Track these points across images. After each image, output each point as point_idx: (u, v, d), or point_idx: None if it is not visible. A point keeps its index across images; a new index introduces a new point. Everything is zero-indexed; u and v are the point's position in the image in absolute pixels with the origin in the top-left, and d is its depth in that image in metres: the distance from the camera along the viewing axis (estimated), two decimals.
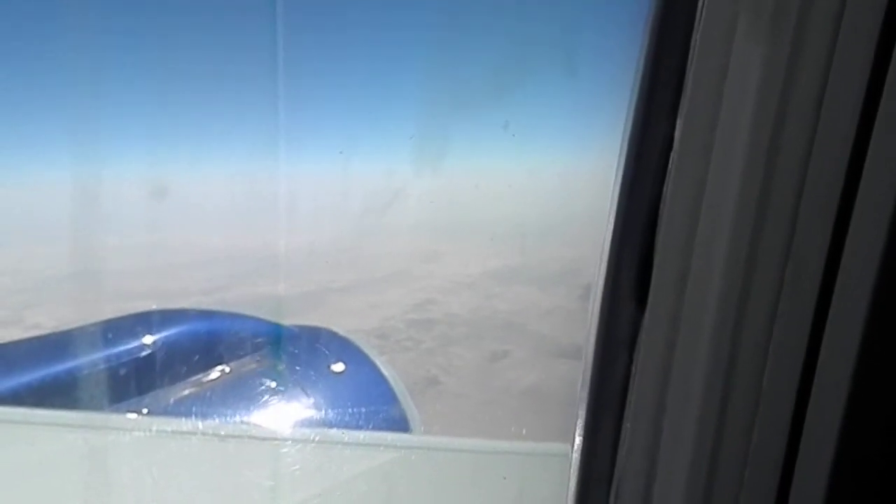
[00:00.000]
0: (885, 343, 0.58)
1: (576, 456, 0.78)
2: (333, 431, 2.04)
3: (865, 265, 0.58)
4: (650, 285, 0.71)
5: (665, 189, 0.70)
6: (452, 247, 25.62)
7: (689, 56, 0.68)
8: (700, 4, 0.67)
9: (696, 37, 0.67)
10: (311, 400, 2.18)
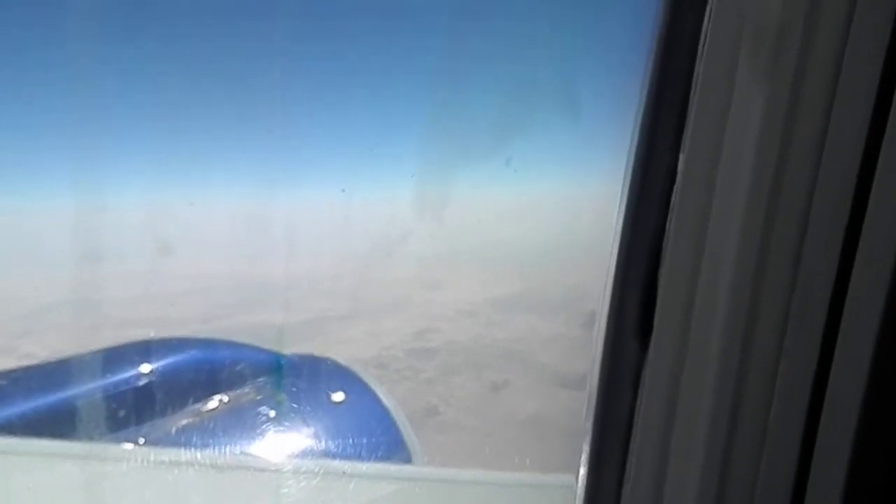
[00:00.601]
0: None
1: (581, 488, 0.78)
2: (334, 463, 2.02)
3: (871, 302, 0.59)
4: (654, 318, 0.71)
5: (668, 222, 0.70)
6: (453, 275, 25.46)
7: (692, 91, 0.68)
8: (702, 41, 0.68)
9: (698, 72, 0.68)
10: (311, 430, 2.17)
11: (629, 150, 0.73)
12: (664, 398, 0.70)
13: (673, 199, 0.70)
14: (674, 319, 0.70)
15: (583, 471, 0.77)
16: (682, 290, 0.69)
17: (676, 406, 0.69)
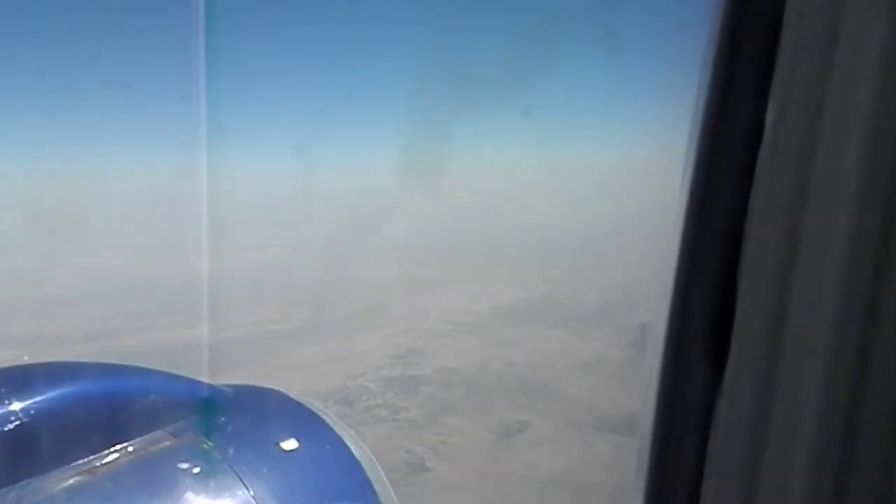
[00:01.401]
0: None
1: None
2: None
3: None
4: (731, 334, 0.70)
5: (751, 200, 0.70)
6: (452, 272, 27.06)
7: (783, 22, 0.67)
8: None
9: None
10: (251, 492, 2.17)
11: (696, 101, 0.72)
12: (746, 447, 0.70)
13: (758, 166, 0.69)
14: (759, 335, 0.69)
15: None
16: (770, 293, 0.69)
17: (764, 453, 0.69)
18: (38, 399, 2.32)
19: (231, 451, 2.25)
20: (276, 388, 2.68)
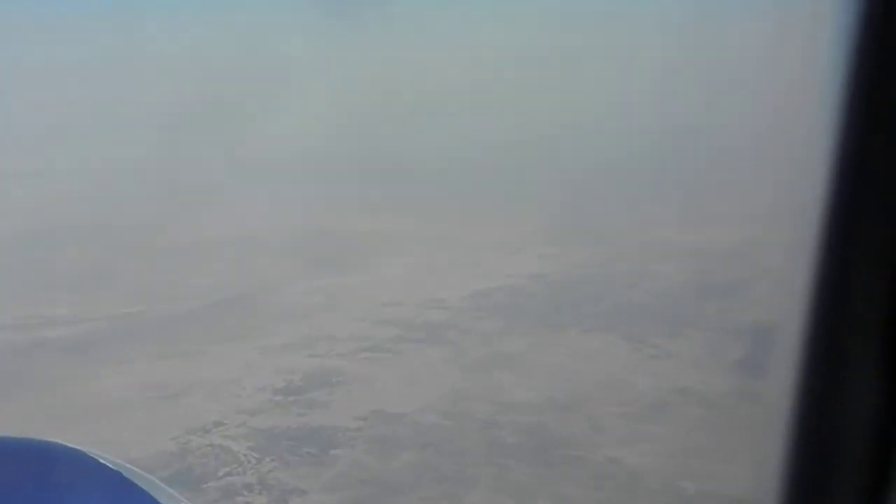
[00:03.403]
0: None
1: None
2: None
3: None
4: None
5: None
6: (406, 222, 23.30)
7: None
8: None
9: None
10: None
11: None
12: None
13: None
14: None
15: None
16: None
17: None
18: None
19: None
20: (60, 442, 2.24)
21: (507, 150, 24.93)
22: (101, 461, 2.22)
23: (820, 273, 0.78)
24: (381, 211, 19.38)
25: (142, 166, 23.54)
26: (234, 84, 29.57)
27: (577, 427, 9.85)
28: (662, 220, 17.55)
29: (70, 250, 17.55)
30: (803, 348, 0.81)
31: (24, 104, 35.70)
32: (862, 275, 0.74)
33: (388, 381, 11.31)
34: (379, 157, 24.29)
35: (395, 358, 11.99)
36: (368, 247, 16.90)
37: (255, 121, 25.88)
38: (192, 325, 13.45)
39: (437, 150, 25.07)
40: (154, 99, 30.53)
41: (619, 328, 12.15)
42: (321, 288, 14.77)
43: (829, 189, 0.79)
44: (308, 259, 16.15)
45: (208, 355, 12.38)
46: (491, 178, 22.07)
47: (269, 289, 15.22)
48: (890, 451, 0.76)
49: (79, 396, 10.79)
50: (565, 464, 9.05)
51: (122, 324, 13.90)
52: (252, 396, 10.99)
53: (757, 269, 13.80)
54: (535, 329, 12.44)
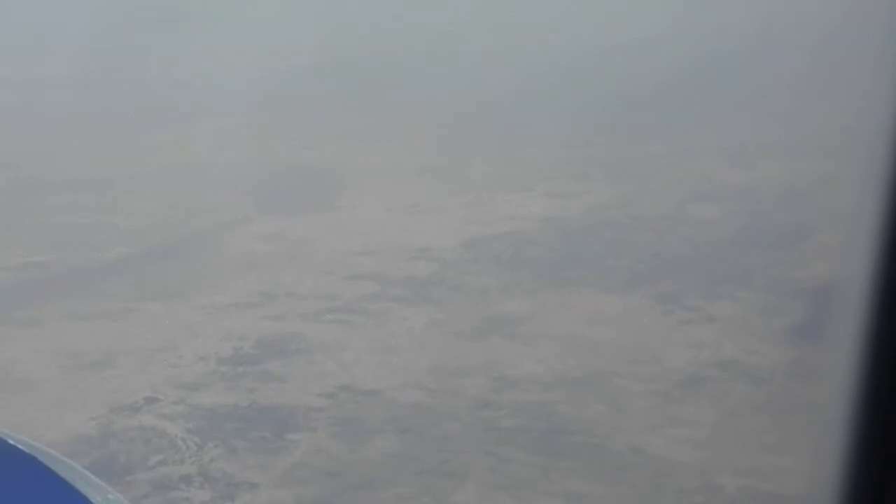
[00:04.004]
0: None
1: None
2: None
3: None
4: None
5: None
6: (389, 154, 22.88)
7: None
8: None
9: None
10: None
11: None
12: None
13: None
14: None
15: None
16: None
17: None
18: None
19: None
20: None
21: (516, 68, 24.72)
22: (11, 442, 2.38)
23: (893, 219, 0.81)
24: (360, 140, 19.22)
25: (62, 84, 23.33)
26: None
27: (593, 408, 9.67)
28: (704, 152, 17.39)
29: None
30: (871, 313, 0.82)
31: None
32: None
33: (360, 350, 11.10)
34: (359, 75, 24.09)
35: (369, 321, 11.82)
36: (341, 183, 16.73)
37: (207, 29, 25.62)
38: (118, 278, 13.31)
39: (433, 69, 24.83)
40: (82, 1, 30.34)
41: (648, 286, 12.10)
42: (280, 233, 14.63)
43: None
44: (265, 197, 16.00)
45: (138, 315, 12.23)
46: (496, 102, 21.83)
47: (216, 233, 15.04)
48: None
49: None
50: (577, 453, 8.88)
51: (29, 276, 13.65)
52: (192, 367, 10.82)
53: (818, 215, 13.67)
54: (544, 287, 12.31)
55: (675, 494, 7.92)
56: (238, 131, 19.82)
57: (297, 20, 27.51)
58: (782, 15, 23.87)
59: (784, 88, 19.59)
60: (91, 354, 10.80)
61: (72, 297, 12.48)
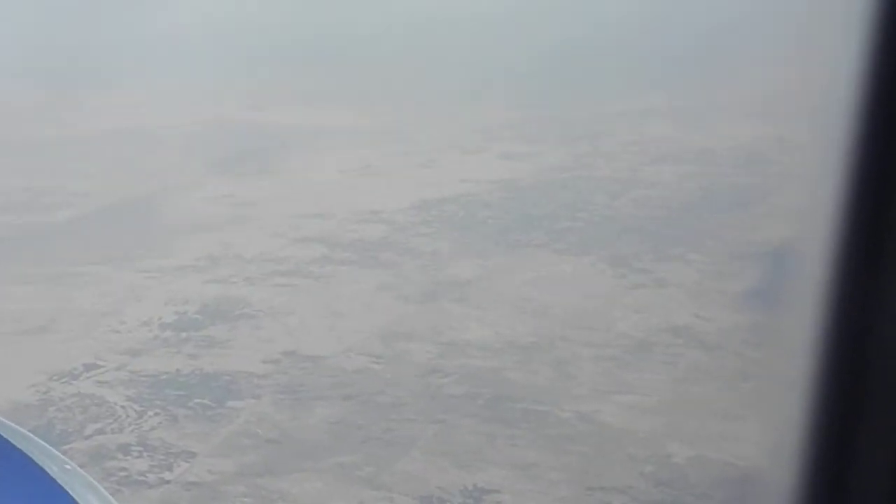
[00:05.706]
0: None
1: None
2: None
3: None
4: None
5: None
6: (339, 115, 22.82)
7: None
8: None
9: None
10: None
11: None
12: None
13: None
14: None
15: None
16: None
17: None
18: None
19: None
20: None
21: (469, 29, 24.63)
22: None
23: (853, 181, 0.80)
24: (309, 100, 19.11)
25: (3, 44, 23.09)
26: None
27: (541, 374, 9.51)
28: (660, 113, 17.34)
29: None
30: (831, 276, 0.80)
31: None
32: None
33: (307, 315, 10.89)
34: (310, 34, 23.99)
35: (316, 284, 11.62)
36: (289, 144, 16.65)
37: None
38: (59, 241, 13.12)
39: (384, 30, 24.74)
40: None
41: (601, 249, 11.97)
42: (226, 195, 14.42)
43: (867, 79, 0.83)
44: (211, 158, 15.87)
45: (79, 279, 11.98)
46: (448, 63, 21.72)
47: (164, 196, 14.81)
48: None
49: None
50: (525, 421, 8.71)
51: None
52: (134, 332, 10.59)
53: (774, 177, 13.61)
54: (494, 249, 12.19)
55: (624, 463, 7.78)
56: (188, 92, 19.75)
57: None
58: None
59: (742, 49, 19.59)
60: (33, 319, 10.62)
61: (16, 261, 12.31)
